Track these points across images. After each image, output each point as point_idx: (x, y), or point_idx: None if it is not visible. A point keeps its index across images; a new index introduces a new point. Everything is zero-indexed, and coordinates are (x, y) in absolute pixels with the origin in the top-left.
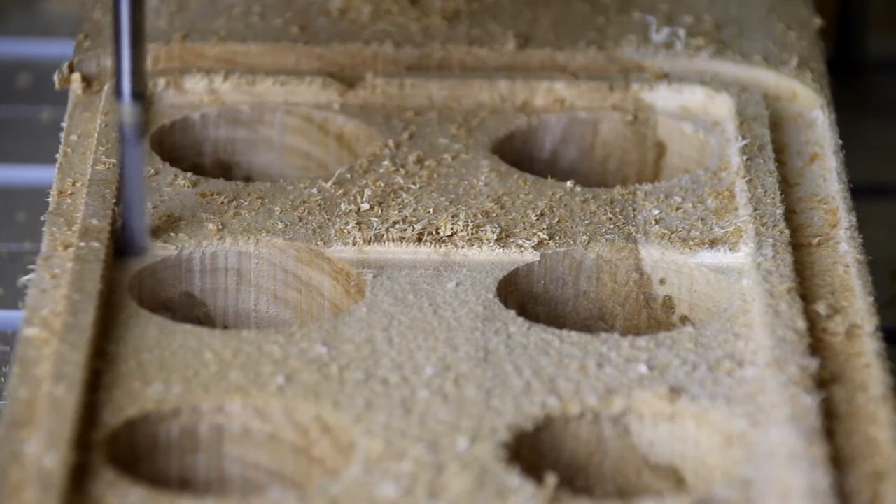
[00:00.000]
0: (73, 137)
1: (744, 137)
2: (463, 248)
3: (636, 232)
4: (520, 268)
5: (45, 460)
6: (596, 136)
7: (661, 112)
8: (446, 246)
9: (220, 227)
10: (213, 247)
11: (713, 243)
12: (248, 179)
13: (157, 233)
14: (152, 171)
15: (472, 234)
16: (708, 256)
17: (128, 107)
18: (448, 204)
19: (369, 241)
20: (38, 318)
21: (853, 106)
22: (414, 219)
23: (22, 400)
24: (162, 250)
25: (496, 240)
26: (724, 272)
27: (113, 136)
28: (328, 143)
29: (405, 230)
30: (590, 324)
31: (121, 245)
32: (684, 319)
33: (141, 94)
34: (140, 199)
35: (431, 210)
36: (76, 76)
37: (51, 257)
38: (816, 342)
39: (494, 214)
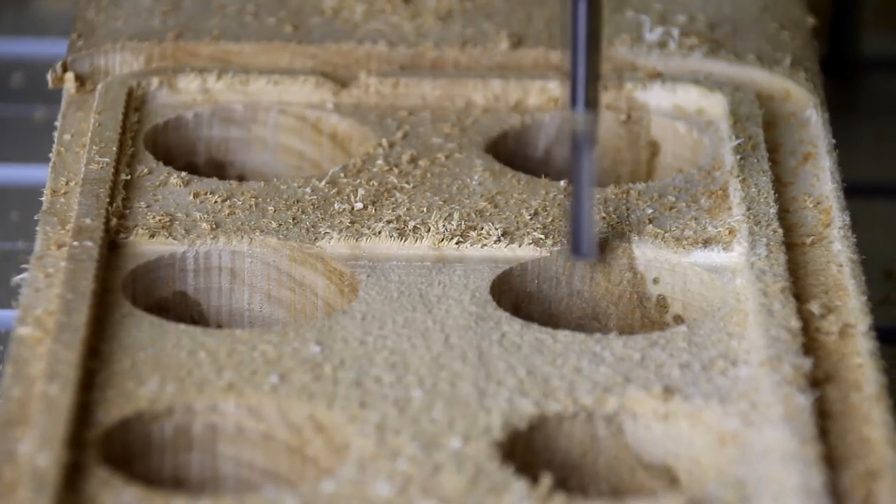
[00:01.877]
0: (67, 137)
1: (737, 137)
2: (456, 247)
3: (630, 231)
4: (513, 267)
5: (38, 459)
6: None
7: (655, 111)
8: (440, 245)
9: (214, 226)
10: (206, 246)
11: (707, 242)
12: (241, 179)
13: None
14: (145, 170)
15: (465, 233)
16: (701, 256)
17: (582, 115)
18: (442, 203)
19: (362, 241)
20: (32, 317)
21: (847, 105)
22: (408, 218)
23: (15, 399)
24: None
25: (490, 239)
26: (718, 271)
27: (106, 135)
28: (322, 143)
29: (399, 229)
30: (583, 323)
31: (571, 248)
32: (678, 319)
33: (594, 103)
34: (589, 205)
35: (425, 209)
36: (70, 75)
37: (44, 256)
38: (810, 341)
39: (488, 214)
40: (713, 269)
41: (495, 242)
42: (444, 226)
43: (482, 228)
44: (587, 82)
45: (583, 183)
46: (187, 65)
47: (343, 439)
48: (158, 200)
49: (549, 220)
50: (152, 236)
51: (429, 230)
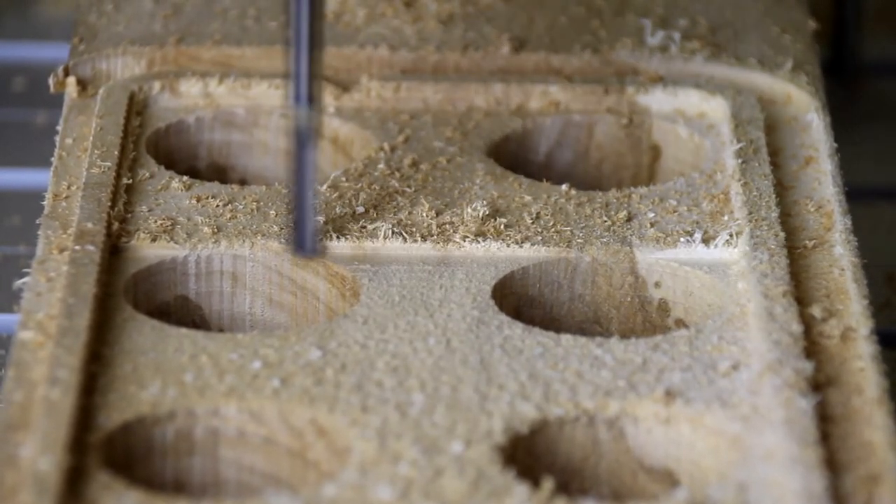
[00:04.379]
0: (69, 141)
1: (739, 140)
2: (458, 251)
3: (631, 235)
4: (515, 271)
5: (40, 463)
6: (591, 140)
7: (656, 115)
8: (441, 249)
9: (216, 230)
10: (208, 250)
11: (708, 246)
12: (243, 183)
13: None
14: (147, 174)
15: (467, 237)
16: (703, 259)
17: (302, 111)
18: (443, 207)
19: (364, 244)
20: (34, 321)
21: (848, 109)
22: (409, 222)
23: (17, 403)
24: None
25: (492, 242)
26: (720, 275)
27: (108, 139)
28: (323, 147)
29: (400, 233)
30: (585, 327)
31: (293, 245)
32: (679, 323)
33: (316, 99)
34: (311, 202)
35: (426, 213)
36: (71, 79)
37: (46, 261)
38: (811, 345)
39: (490, 218)
40: (715, 272)
41: (497, 246)
42: (446, 229)
43: (484, 232)
44: (309, 78)
45: (304, 179)
46: (189, 69)
47: (344, 443)
48: (160, 204)
49: (551, 223)
50: (154, 240)
51: (430, 233)
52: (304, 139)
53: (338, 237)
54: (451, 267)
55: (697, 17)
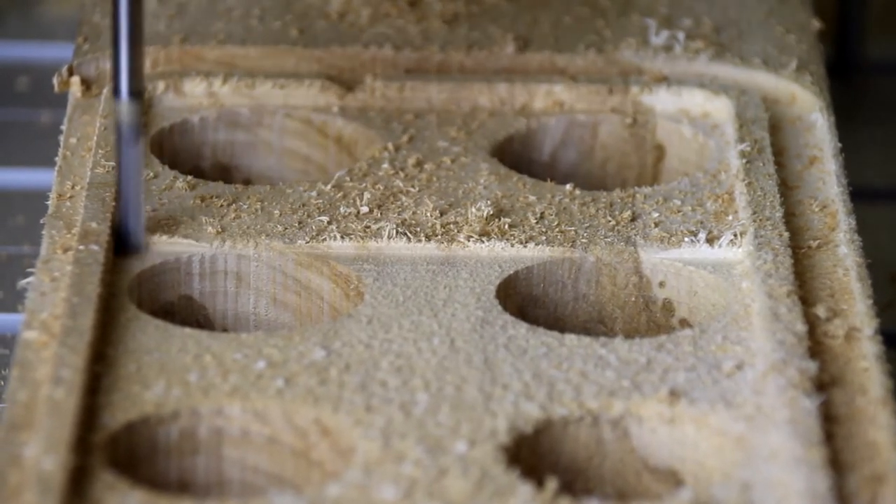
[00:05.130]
0: (73, 140)
1: (743, 140)
2: (462, 250)
3: (635, 235)
4: (519, 271)
5: (44, 463)
6: (595, 139)
7: (661, 115)
8: (445, 248)
9: (220, 230)
10: (212, 250)
11: (712, 246)
12: (247, 183)
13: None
14: (151, 174)
15: (471, 237)
16: (707, 259)
17: (125, 105)
18: (447, 207)
19: (368, 244)
20: (38, 321)
21: (852, 109)
22: (413, 222)
23: (21, 403)
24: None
25: (496, 242)
26: (724, 275)
27: (111, 137)
28: (327, 146)
29: (404, 233)
30: (589, 327)
31: (119, 243)
32: (684, 322)
33: (139, 93)
34: (137, 198)
35: (430, 213)
36: (75, 79)
37: (50, 260)
38: (816, 345)
39: (494, 217)
40: (719, 272)
41: (501, 245)
42: (450, 229)
43: (488, 232)
44: (130, 72)
45: (129, 175)
46: (193, 69)
47: (348, 443)
48: (164, 204)
49: (555, 223)
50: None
51: (435, 233)
52: (127, 134)
53: (342, 237)
54: (455, 267)
55: (702, 17)
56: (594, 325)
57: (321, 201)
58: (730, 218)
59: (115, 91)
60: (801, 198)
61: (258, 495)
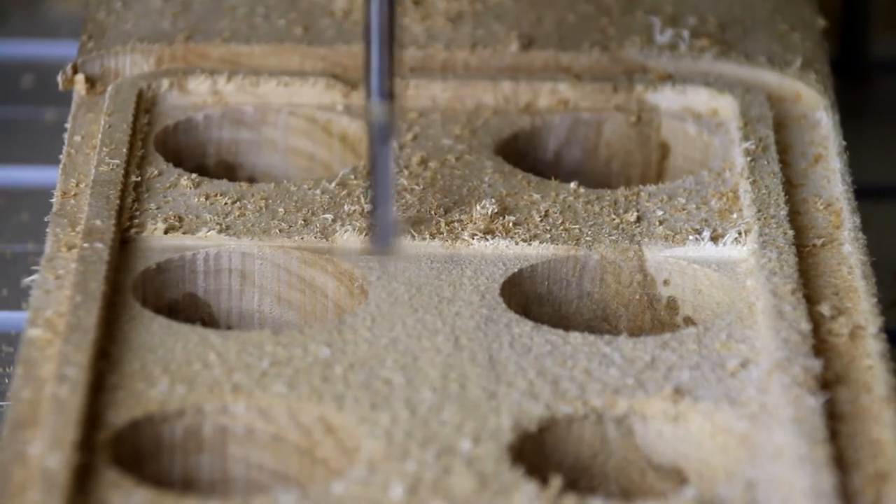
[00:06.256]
0: (77, 138)
1: (747, 139)
2: (467, 248)
3: (640, 233)
4: (523, 269)
5: (48, 461)
6: (599, 138)
7: (665, 113)
8: (450, 246)
9: (224, 228)
10: (216, 248)
11: (717, 244)
12: (251, 180)
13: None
14: (156, 171)
15: (475, 235)
16: (712, 257)
17: (377, 105)
18: (452, 205)
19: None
20: (42, 318)
21: (857, 107)
22: (417, 219)
23: (25, 401)
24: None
25: (501, 240)
26: (728, 273)
27: (116, 136)
28: (332, 144)
29: (409, 231)
30: (593, 325)
31: (371, 241)
32: (688, 321)
33: (390, 94)
34: (389, 198)
35: (434, 211)
36: (80, 77)
37: (54, 258)
38: (820, 343)
39: (498, 216)
40: (723, 270)
41: (505, 243)
42: (454, 227)
43: (493, 230)
44: (381, 73)
45: (382, 175)
46: (197, 66)
47: (353, 441)
48: (168, 202)
49: (560, 221)
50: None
51: (439, 231)
52: (380, 134)
53: (346, 235)
54: (459, 265)
55: (706, 15)
56: (598, 324)
57: (326, 199)
58: (734, 216)
59: (367, 92)
60: (806, 196)
61: (263, 493)
